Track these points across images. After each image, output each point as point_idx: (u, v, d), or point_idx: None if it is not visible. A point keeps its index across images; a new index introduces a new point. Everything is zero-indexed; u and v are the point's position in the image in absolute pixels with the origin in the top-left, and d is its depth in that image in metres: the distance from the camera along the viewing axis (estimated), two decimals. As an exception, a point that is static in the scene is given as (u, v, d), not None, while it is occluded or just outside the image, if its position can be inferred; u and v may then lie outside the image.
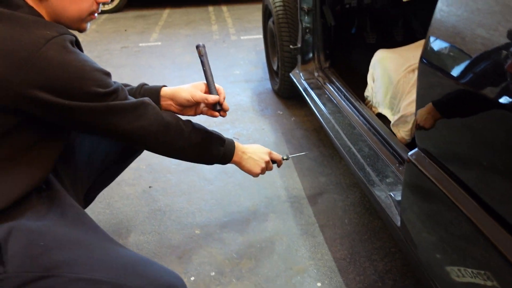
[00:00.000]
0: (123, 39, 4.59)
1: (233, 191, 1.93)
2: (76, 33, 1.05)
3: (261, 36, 4.41)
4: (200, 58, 1.26)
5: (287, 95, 2.78)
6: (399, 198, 1.17)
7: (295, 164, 2.10)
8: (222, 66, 3.59)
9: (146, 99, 1.09)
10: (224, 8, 6.07)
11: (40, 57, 0.89)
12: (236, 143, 1.32)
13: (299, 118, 2.57)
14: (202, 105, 1.29)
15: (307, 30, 2.23)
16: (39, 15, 0.98)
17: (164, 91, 1.26)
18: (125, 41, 4.49)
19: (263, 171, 1.38)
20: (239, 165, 1.35)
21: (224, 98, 1.27)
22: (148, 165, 2.16)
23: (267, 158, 1.38)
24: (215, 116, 1.28)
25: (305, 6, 2.18)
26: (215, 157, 1.25)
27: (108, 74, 1.02)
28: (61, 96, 0.92)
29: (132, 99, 1.06)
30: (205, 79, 1.27)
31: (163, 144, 1.12)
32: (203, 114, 1.30)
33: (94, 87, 0.96)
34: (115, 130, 1.03)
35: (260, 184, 1.96)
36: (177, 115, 1.19)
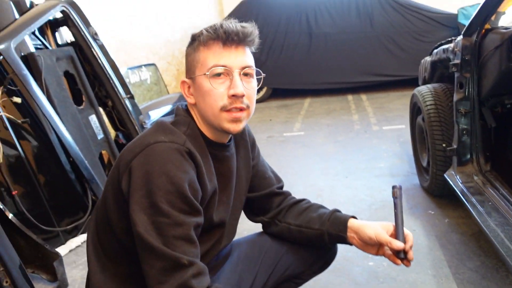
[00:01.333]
0: (268, 128, 4.94)
1: (386, 299, 1.85)
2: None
3: (404, 126, 4.37)
4: (393, 199, 1.20)
5: (438, 193, 2.66)
6: None
7: (453, 274, 1.95)
8: (365, 158, 3.61)
9: (197, 263, 0.99)
10: (364, 96, 6.21)
11: (132, 162, 1.00)
12: None
13: (453, 220, 2.42)
14: (386, 247, 1.19)
15: (464, 132, 2.17)
16: (192, 118, 1.13)
17: (351, 222, 1.25)
18: (270, 131, 4.82)
19: None
20: None
21: (411, 247, 1.16)
22: (297, 260, 2.20)
23: None
24: (397, 264, 1.17)
25: (462, 109, 2.13)
26: None
27: (189, 212, 0.99)
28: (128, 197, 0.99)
29: (176, 253, 0.96)
30: (394, 222, 1.20)
31: None
32: (384, 256, 1.21)
33: (162, 204, 0.96)
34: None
35: (415, 293, 1.85)
36: None
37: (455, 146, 2.23)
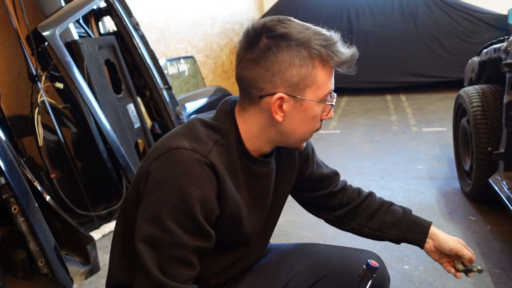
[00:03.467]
0: (303, 125, 4.87)
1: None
2: None
3: (445, 128, 4.22)
4: (358, 278, 1.06)
5: (480, 199, 2.54)
6: None
7: (495, 283, 1.85)
8: (403, 159, 3.50)
9: None
10: (403, 97, 6.04)
11: (151, 164, 0.93)
12: None
13: (496, 227, 2.30)
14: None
15: (513, 135, 2.05)
16: (234, 125, 0.99)
17: (433, 230, 1.24)
18: (306, 128, 4.75)
19: None
20: None
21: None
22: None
23: None
24: (458, 277, 1.25)
25: (513, 111, 2.02)
26: None
27: (196, 234, 0.91)
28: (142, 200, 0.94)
29: (164, 278, 0.89)
30: None
31: None
32: (443, 265, 1.27)
33: (167, 219, 0.89)
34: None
35: (453, 301, 1.77)
36: None
37: (502, 150, 2.12)
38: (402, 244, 2.18)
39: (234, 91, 6.29)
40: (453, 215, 2.49)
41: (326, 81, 0.96)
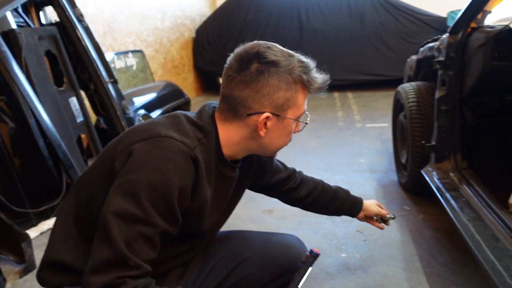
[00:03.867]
0: (253, 121, 4.92)
1: (356, 290, 1.86)
2: None
3: (387, 124, 4.39)
4: (300, 264, 1.21)
5: (415, 190, 2.68)
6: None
7: (424, 268, 1.97)
8: (347, 154, 3.62)
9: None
10: (350, 94, 6.23)
11: (135, 145, 0.99)
12: None
13: (428, 216, 2.44)
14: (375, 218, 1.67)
15: (443, 129, 2.18)
16: (215, 129, 1.08)
17: (364, 204, 1.61)
18: (255, 123, 4.80)
19: None
20: None
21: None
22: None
23: None
24: (381, 228, 1.71)
25: (443, 106, 2.14)
26: None
27: (166, 218, 0.97)
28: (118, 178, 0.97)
29: (128, 253, 0.92)
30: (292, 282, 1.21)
31: None
32: (369, 222, 1.68)
33: (145, 198, 0.93)
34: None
35: (385, 286, 1.86)
36: None
37: (433, 143, 2.25)
38: (341, 233, 2.30)
39: (184, 86, 6.23)
40: (389, 205, 2.61)
41: (303, 103, 1.11)
